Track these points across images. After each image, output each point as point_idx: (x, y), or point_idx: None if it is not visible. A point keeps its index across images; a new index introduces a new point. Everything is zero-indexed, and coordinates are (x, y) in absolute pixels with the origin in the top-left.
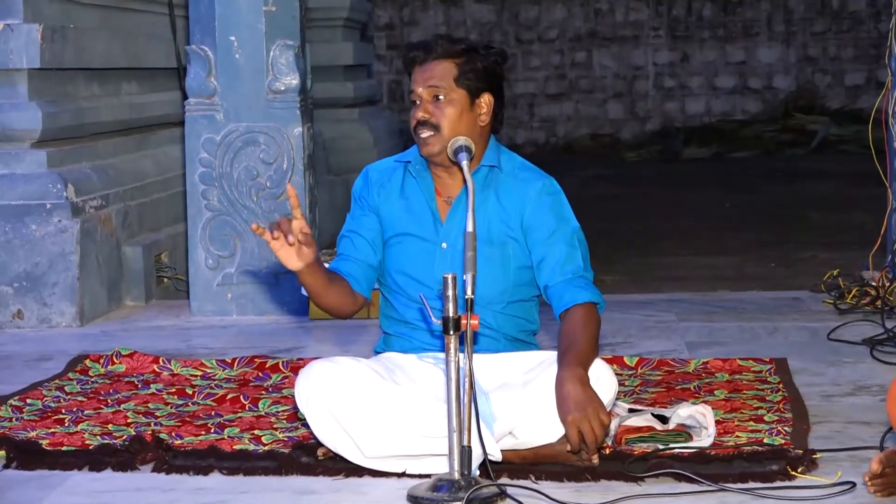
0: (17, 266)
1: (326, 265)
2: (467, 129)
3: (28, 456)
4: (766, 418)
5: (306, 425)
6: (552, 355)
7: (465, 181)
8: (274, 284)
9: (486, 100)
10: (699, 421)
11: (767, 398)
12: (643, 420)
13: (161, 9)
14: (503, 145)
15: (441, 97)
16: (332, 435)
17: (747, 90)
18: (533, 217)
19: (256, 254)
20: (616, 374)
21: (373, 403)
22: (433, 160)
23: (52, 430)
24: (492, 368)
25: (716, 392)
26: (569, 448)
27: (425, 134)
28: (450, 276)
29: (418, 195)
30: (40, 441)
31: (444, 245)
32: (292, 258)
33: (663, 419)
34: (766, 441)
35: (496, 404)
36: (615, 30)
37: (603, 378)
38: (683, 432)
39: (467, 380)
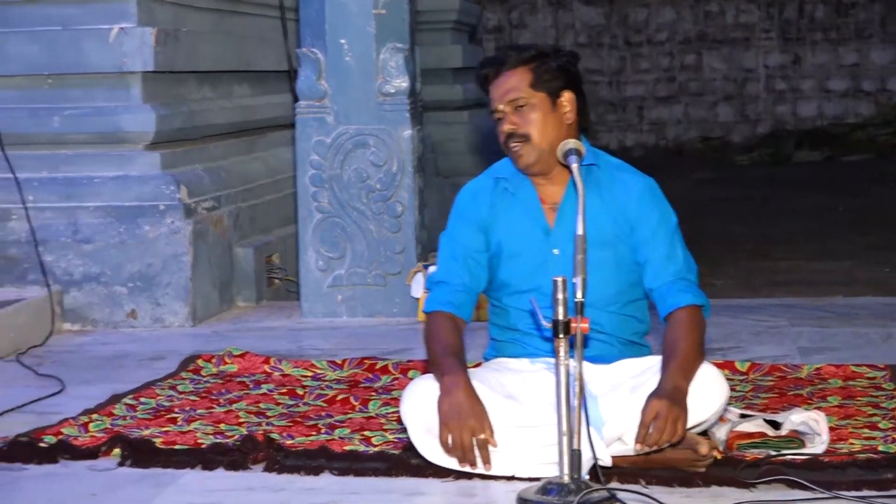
0: (130, 267)
1: (431, 268)
2: (555, 130)
3: (141, 454)
4: (880, 426)
5: None
6: (660, 361)
7: (574, 184)
8: (383, 286)
9: (567, 97)
10: (812, 427)
11: (882, 405)
12: (755, 426)
13: (272, 12)
14: (611, 148)
15: (522, 105)
16: (434, 451)
17: (860, 93)
18: (637, 215)
19: (366, 256)
20: (727, 380)
21: None
22: (531, 171)
23: (165, 428)
24: (601, 373)
25: (829, 398)
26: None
27: (517, 146)
28: (560, 279)
29: (522, 208)
30: (153, 440)
31: (555, 251)
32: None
33: (775, 425)
34: (881, 449)
35: (605, 409)
36: (725, 32)
37: (714, 383)
38: (796, 438)
39: (577, 383)
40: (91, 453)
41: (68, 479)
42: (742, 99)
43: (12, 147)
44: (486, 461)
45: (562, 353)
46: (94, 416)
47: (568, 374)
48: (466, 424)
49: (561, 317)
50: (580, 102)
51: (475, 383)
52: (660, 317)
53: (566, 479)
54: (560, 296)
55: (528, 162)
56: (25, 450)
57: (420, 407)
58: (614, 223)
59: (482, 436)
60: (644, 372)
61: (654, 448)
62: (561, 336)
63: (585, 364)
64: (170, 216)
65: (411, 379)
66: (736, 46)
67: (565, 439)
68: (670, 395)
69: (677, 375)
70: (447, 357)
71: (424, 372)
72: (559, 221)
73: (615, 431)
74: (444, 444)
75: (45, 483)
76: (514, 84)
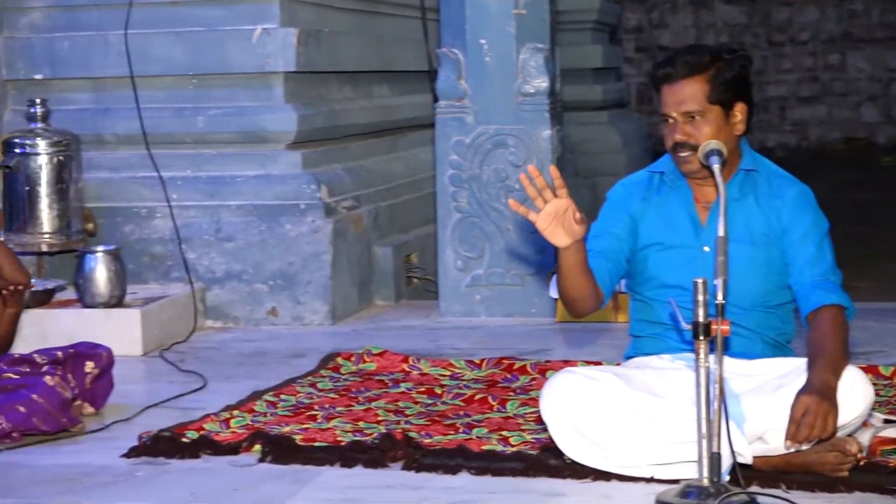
0: (271, 265)
1: None
2: (725, 141)
3: (282, 451)
4: None
5: None
6: (805, 363)
7: (729, 186)
8: (521, 286)
9: (739, 108)
10: None
11: None
12: None
13: (412, 12)
14: (753, 149)
15: (696, 117)
16: (574, 446)
17: None
18: (790, 219)
19: (505, 256)
20: (871, 384)
21: (620, 413)
22: (693, 176)
23: (305, 425)
24: (744, 371)
25: None
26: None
27: (685, 154)
28: (700, 281)
29: (676, 203)
30: (294, 436)
31: (705, 249)
32: (558, 234)
33: None
34: None
35: (747, 407)
36: (870, 31)
37: (858, 386)
38: None
39: (717, 385)
40: (232, 449)
41: (210, 474)
42: (887, 99)
43: (157, 146)
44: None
45: (702, 355)
46: (236, 412)
47: (708, 376)
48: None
49: (701, 319)
50: (749, 111)
51: (611, 375)
52: (801, 315)
53: (705, 482)
54: (700, 297)
55: (692, 169)
56: (168, 445)
57: (561, 402)
58: (767, 225)
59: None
60: (789, 373)
61: (805, 444)
62: (701, 338)
63: (726, 359)
64: (310, 215)
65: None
66: (880, 46)
67: (704, 442)
68: (819, 390)
69: (826, 371)
70: None
71: None
72: (711, 220)
73: (756, 430)
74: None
75: (188, 477)
76: (689, 95)
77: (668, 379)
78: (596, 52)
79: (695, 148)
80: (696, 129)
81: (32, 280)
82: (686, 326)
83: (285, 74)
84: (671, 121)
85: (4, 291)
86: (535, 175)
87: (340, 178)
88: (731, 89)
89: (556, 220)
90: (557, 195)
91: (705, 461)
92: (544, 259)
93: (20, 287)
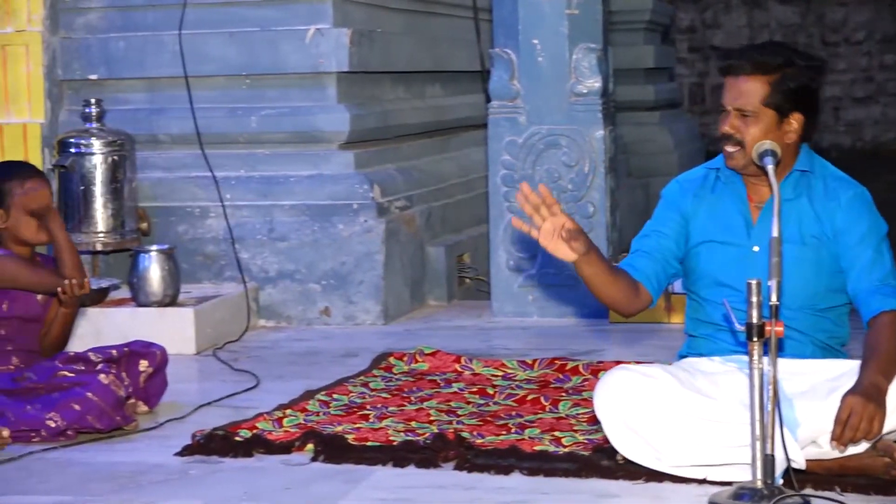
0: (324, 264)
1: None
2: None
3: (334, 450)
4: None
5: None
6: (859, 364)
7: (782, 186)
8: (574, 287)
9: (795, 118)
10: None
11: None
12: None
13: (465, 13)
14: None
15: (748, 115)
16: (628, 444)
17: None
18: (844, 222)
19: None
20: None
21: (674, 413)
22: (737, 171)
23: (358, 425)
24: (797, 373)
25: None
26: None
27: (730, 148)
28: (754, 282)
29: (729, 201)
30: (346, 436)
31: (755, 248)
32: (562, 249)
33: None
34: None
35: (800, 411)
36: None
37: None
38: None
39: (771, 387)
40: (285, 448)
41: (262, 473)
42: None
43: (211, 146)
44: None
45: (755, 357)
46: (288, 411)
47: (762, 378)
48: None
49: (755, 320)
50: (809, 122)
51: (665, 373)
52: (862, 321)
53: (759, 484)
54: (754, 299)
55: (736, 165)
56: (222, 443)
57: (615, 399)
58: (819, 226)
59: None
60: (842, 375)
61: (849, 446)
62: (755, 339)
63: (779, 360)
64: (363, 215)
65: None
66: None
67: (758, 443)
68: (866, 391)
69: (875, 373)
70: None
71: None
72: (762, 220)
73: (810, 434)
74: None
75: (240, 476)
76: (747, 92)
77: (720, 382)
78: (648, 52)
79: (739, 143)
80: (745, 126)
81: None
82: (740, 328)
83: (338, 74)
84: (725, 112)
85: (60, 291)
86: (527, 193)
87: (393, 178)
88: (791, 98)
89: (557, 236)
90: (552, 212)
91: (759, 463)
92: None
93: (76, 284)
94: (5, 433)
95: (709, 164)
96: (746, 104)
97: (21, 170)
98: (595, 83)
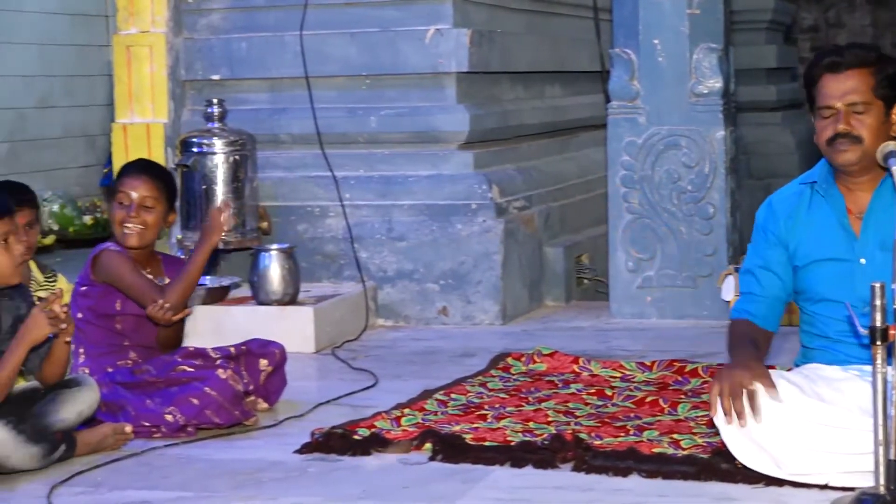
0: (442, 264)
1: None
2: (885, 138)
3: (452, 449)
4: None
5: None
6: None
7: (880, 192)
8: (693, 288)
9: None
10: None
11: None
12: None
13: (585, 13)
14: None
15: (861, 109)
16: (745, 450)
17: None
18: None
19: (677, 258)
20: None
21: (794, 419)
22: (847, 169)
23: (475, 425)
24: None
25: None
26: None
27: (845, 146)
28: (878, 285)
29: (828, 215)
30: (464, 435)
31: (862, 261)
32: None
33: None
34: None
35: None
36: None
37: None
38: None
39: (894, 392)
40: (403, 447)
41: (381, 472)
42: None
43: (331, 146)
44: (755, 411)
45: (878, 361)
46: (406, 410)
47: (885, 383)
48: (735, 373)
49: (879, 324)
50: None
51: (783, 381)
52: None
53: (881, 489)
54: (878, 302)
55: (851, 160)
56: (340, 441)
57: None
58: None
59: (751, 386)
60: None
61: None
62: (878, 343)
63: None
64: (482, 215)
65: None
66: None
67: (881, 449)
68: None
69: None
70: (743, 344)
71: None
72: (864, 230)
73: None
74: (712, 398)
75: (359, 474)
76: (854, 86)
77: (840, 388)
78: (770, 51)
79: (857, 140)
80: (860, 121)
81: (206, 278)
82: (863, 331)
83: (458, 74)
84: (831, 112)
85: (148, 309)
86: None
87: (512, 179)
88: (893, 88)
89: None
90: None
91: (881, 469)
92: (716, 261)
93: (166, 312)
94: (128, 429)
95: (802, 178)
96: (859, 97)
97: None
98: (716, 83)
